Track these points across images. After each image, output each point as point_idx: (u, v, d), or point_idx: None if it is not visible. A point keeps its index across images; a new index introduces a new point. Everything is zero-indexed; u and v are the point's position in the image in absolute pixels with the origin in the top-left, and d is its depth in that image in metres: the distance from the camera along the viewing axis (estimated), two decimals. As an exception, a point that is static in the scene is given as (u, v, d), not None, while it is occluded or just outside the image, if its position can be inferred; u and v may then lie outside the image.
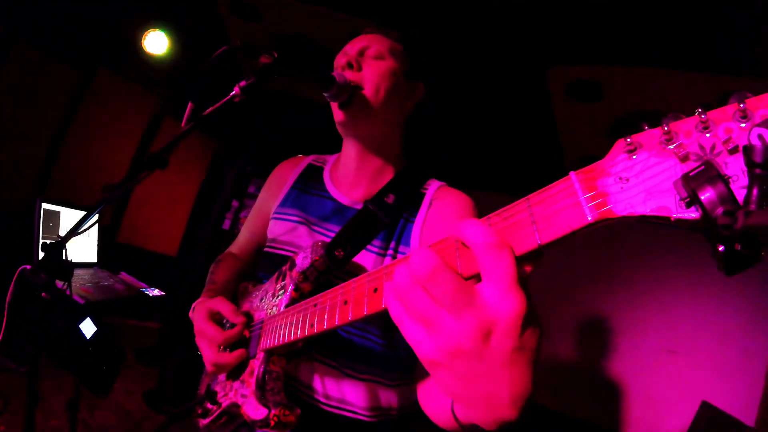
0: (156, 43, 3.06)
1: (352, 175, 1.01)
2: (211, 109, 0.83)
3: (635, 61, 2.11)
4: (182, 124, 0.84)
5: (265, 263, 1.02)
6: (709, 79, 2.01)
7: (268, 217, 1.08)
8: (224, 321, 0.92)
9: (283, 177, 1.12)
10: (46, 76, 2.76)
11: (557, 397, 3.43)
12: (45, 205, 2.38)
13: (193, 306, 0.95)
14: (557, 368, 3.54)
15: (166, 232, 3.73)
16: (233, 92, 0.82)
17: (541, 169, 3.44)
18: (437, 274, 0.39)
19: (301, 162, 1.13)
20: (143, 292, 2.59)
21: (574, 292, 3.62)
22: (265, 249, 1.03)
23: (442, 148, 3.50)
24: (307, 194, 1.05)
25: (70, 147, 2.95)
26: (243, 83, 0.81)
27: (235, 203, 4.26)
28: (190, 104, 0.86)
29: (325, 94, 0.90)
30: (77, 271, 2.44)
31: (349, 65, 0.93)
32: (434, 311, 0.38)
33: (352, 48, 0.98)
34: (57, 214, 2.46)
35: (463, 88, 2.76)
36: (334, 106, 0.94)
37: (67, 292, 0.90)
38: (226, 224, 4.21)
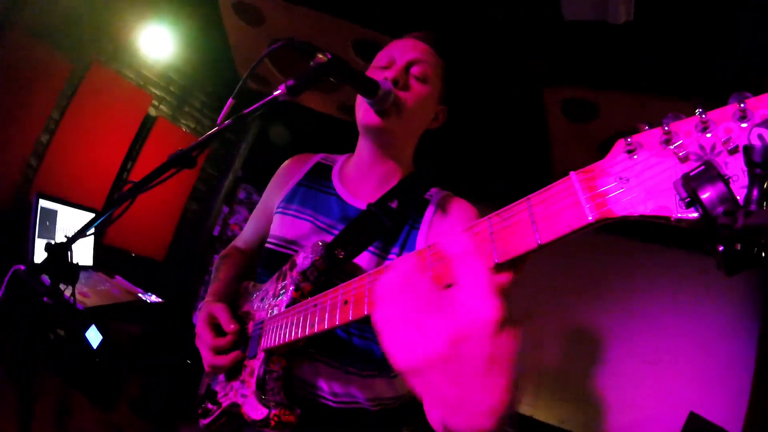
0: (153, 42, 3.03)
1: (361, 176, 1.02)
2: (252, 108, 0.81)
3: (631, 87, 2.15)
4: (218, 121, 0.82)
5: (265, 260, 1.03)
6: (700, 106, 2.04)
7: (272, 211, 1.08)
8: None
9: (290, 173, 1.12)
10: (41, 66, 2.63)
11: (543, 407, 3.43)
12: (43, 203, 2.23)
13: (199, 306, 0.97)
14: (542, 378, 3.53)
15: (154, 236, 3.61)
16: (278, 91, 0.79)
17: (528, 182, 3.47)
18: (411, 277, 0.40)
19: (310, 159, 1.14)
20: (141, 297, 2.52)
21: (560, 303, 3.63)
22: (267, 245, 1.03)
23: (441, 157, 3.54)
24: (314, 191, 1.05)
25: (61, 141, 2.82)
26: (291, 82, 0.79)
27: (225, 209, 4.22)
28: (230, 100, 0.85)
29: (368, 101, 0.90)
30: (72, 274, 2.38)
31: (395, 82, 0.93)
32: (410, 318, 0.39)
33: (400, 57, 0.97)
34: (54, 212, 2.34)
35: (479, 107, 2.79)
36: (368, 109, 0.94)
37: (70, 298, 0.86)
38: (216, 230, 4.17)
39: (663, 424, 2.97)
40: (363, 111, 0.95)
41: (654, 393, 3.13)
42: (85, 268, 2.59)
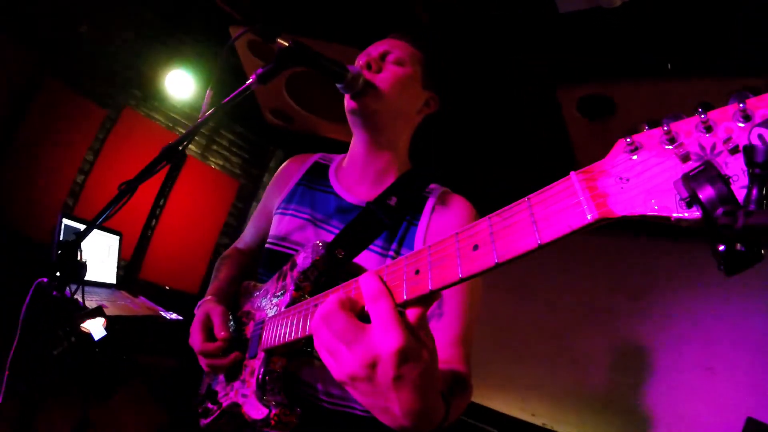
0: (179, 86, 3.19)
1: (357, 173, 1.02)
2: (230, 97, 0.83)
3: (644, 73, 2.10)
4: (201, 113, 0.84)
5: (265, 260, 1.03)
6: (719, 82, 1.96)
7: (272, 212, 1.09)
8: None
9: (289, 173, 1.12)
10: (75, 114, 2.89)
11: (589, 426, 3.24)
12: (66, 222, 2.38)
13: (199, 303, 0.98)
14: (587, 396, 3.33)
15: (187, 270, 3.77)
16: (250, 80, 0.82)
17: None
18: (332, 315, 0.50)
19: (308, 159, 1.14)
20: (161, 314, 2.55)
21: (604, 318, 3.45)
22: (267, 245, 1.03)
23: (453, 161, 3.51)
24: (313, 190, 1.05)
25: (96, 181, 3.06)
26: (260, 71, 0.81)
27: None
28: (209, 91, 0.87)
29: (338, 85, 0.91)
30: (95, 289, 2.40)
31: (368, 66, 0.94)
32: (335, 344, 0.49)
33: (374, 50, 1.00)
34: (78, 230, 2.47)
35: (479, 107, 2.79)
36: (346, 96, 0.95)
37: (78, 298, 0.88)
38: None
39: (721, 432, 2.78)
40: (345, 99, 0.97)
41: (709, 401, 2.93)
42: (108, 285, 2.66)
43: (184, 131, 3.53)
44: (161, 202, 3.45)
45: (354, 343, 0.47)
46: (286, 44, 0.82)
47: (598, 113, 2.40)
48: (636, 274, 3.41)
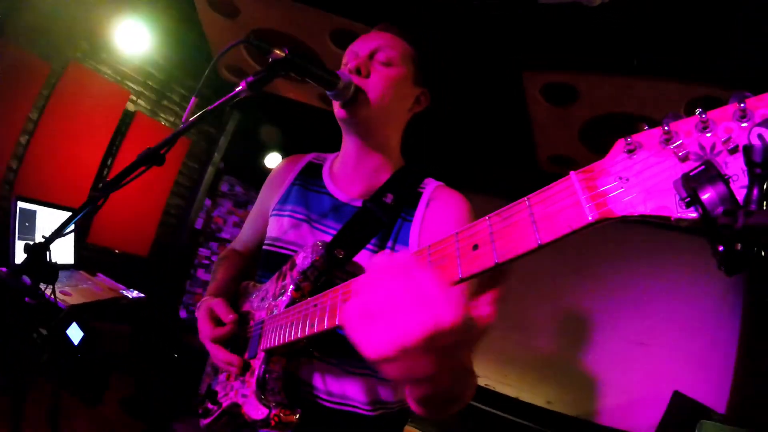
0: (129, 37, 2.98)
1: (350, 172, 1.02)
2: (215, 104, 0.82)
3: (611, 69, 2.12)
4: (183, 119, 0.83)
5: (264, 262, 1.03)
6: (680, 86, 2.01)
7: (268, 214, 1.08)
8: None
9: (284, 174, 1.12)
10: (17, 68, 2.62)
11: (529, 388, 3.48)
12: (21, 204, 2.28)
13: (198, 305, 0.97)
14: (529, 360, 3.60)
15: (137, 232, 3.61)
16: (239, 87, 0.81)
17: (513, 168, 3.45)
18: (415, 267, 0.40)
19: (302, 160, 1.14)
20: (123, 294, 2.56)
21: (549, 287, 3.66)
22: (264, 247, 1.03)
23: (426, 146, 3.52)
24: (307, 190, 1.05)
25: (40, 141, 2.81)
26: (250, 79, 0.80)
27: (207, 202, 4.22)
28: (193, 99, 0.85)
29: (329, 93, 0.90)
30: (56, 273, 2.40)
31: (357, 71, 0.93)
32: (401, 302, 0.39)
33: (363, 49, 0.98)
34: (33, 213, 2.38)
35: (471, 102, 2.79)
36: (336, 103, 0.94)
37: (51, 297, 0.85)
38: (199, 223, 4.17)
39: (649, 403, 3.04)
40: (334, 106, 0.95)
41: (640, 373, 3.19)
42: (67, 266, 2.60)
43: (135, 87, 3.38)
44: (109, 162, 3.27)
45: (418, 307, 0.38)
46: (282, 54, 0.81)
47: (561, 100, 2.43)
48: (582, 249, 3.56)
